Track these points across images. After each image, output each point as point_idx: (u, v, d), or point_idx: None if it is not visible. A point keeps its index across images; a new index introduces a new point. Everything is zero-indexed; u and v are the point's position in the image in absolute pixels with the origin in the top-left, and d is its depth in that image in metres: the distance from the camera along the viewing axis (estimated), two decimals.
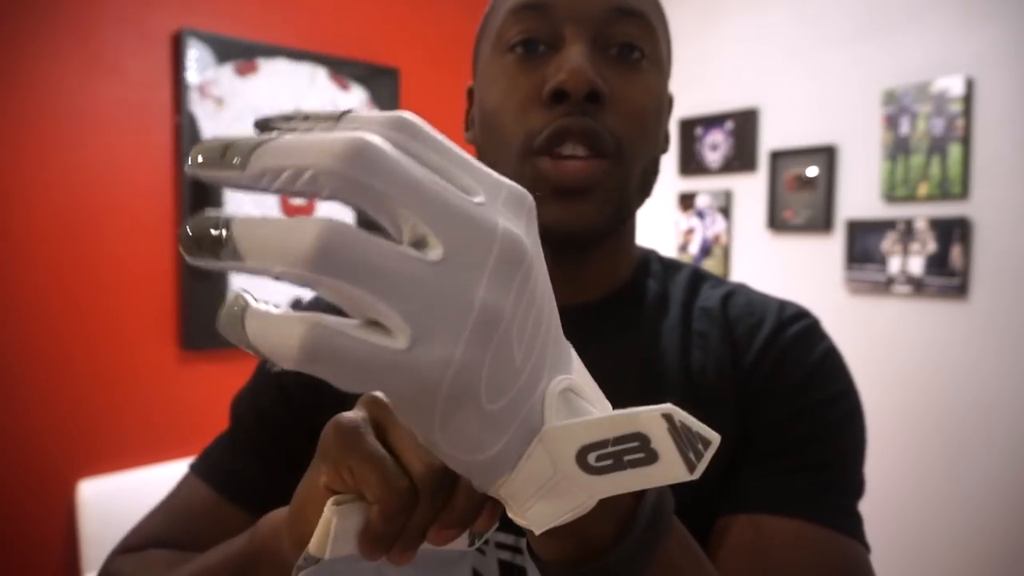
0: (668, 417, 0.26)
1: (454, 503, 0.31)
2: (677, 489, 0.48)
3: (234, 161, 0.22)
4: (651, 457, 0.26)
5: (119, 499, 1.75)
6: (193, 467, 0.61)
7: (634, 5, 0.51)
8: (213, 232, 0.22)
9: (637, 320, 0.56)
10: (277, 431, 0.59)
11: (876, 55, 2.04)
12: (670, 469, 0.26)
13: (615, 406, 0.39)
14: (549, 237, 0.51)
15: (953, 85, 1.87)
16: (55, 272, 1.73)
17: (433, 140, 0.25)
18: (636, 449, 0.26)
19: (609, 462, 0.26)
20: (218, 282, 1.95)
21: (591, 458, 0.26)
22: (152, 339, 1.88)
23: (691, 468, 0.26)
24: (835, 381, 0.52)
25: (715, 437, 0.27)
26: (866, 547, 0.48)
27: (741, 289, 0.58)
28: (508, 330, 0.24)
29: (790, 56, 2.23)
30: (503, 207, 0.25)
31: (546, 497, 0.27)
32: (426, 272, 0.22)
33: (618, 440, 0.26)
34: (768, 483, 0.48)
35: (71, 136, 1.74)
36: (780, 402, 0.51)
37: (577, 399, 0.28)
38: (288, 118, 0.25)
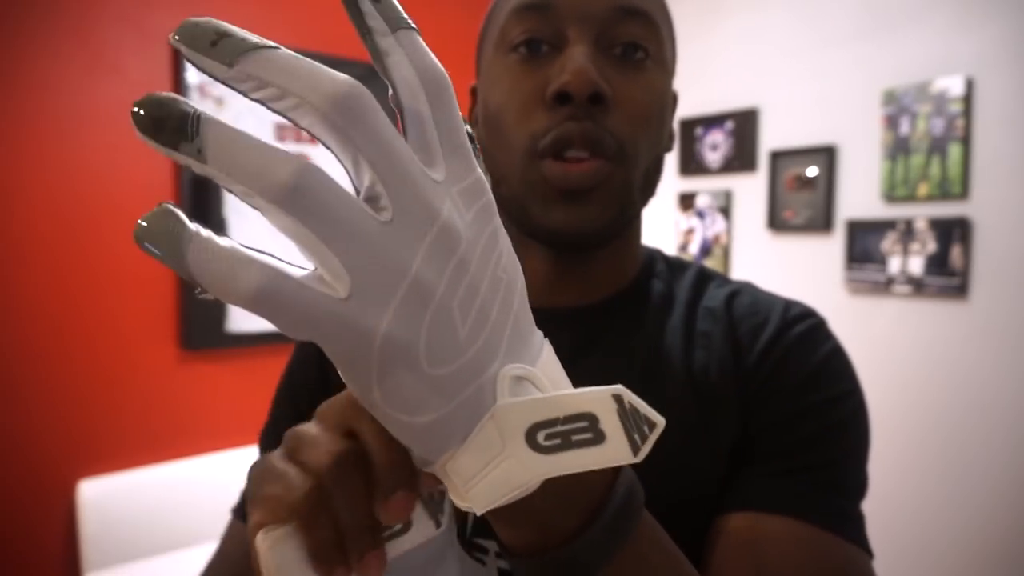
0: (618, 397, 0.27)
1: (377, 472, 0.29)
2: (679, 486, 0.48)
3: (223, 55, 0.22)
4: (598, 438, 0.26)
5: (119, 499, 1.75)
6: (235, 511, 0.61)
7: (638, 4, 0.51)
8: (179, 121, 0.21)
9: (641, 320, 0.56)
10: None
11: (876, 55, 2.04)
12: (615, 451, 0.26)
13: None
14: (554, 239, 0.52)
15: (953, 85, 1.87)
16: (55, 272, 1.73)
17: (446, 108, 0.26)
18: (584, 429, 0.26)
19: (557, 441, 0.26)
20: None
21: (540, 436, 0.26)
22: (152, 339, 1.88)
23: (635, 450, 0.27)
24: (840, 381, 0.51)
25: (660, 420, 0.27)
26: (868, 552, 0.47)
27: (746, 288, 0.58)
28: (446, 305, 0.25)
29: (790, 56, 2.23)
30: (457, 194, 0.26)
31: (491, 475, 0.27)
32: (374, 229, 0.24)
33: (568, 419, 0.26)
34: (768, 482, 0.47)
35: (71, 136, 1.74)
36: (783, 401, 0.50)
37: (532, 389, 0.28)
38: None
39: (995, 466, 1.83)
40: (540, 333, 0.31)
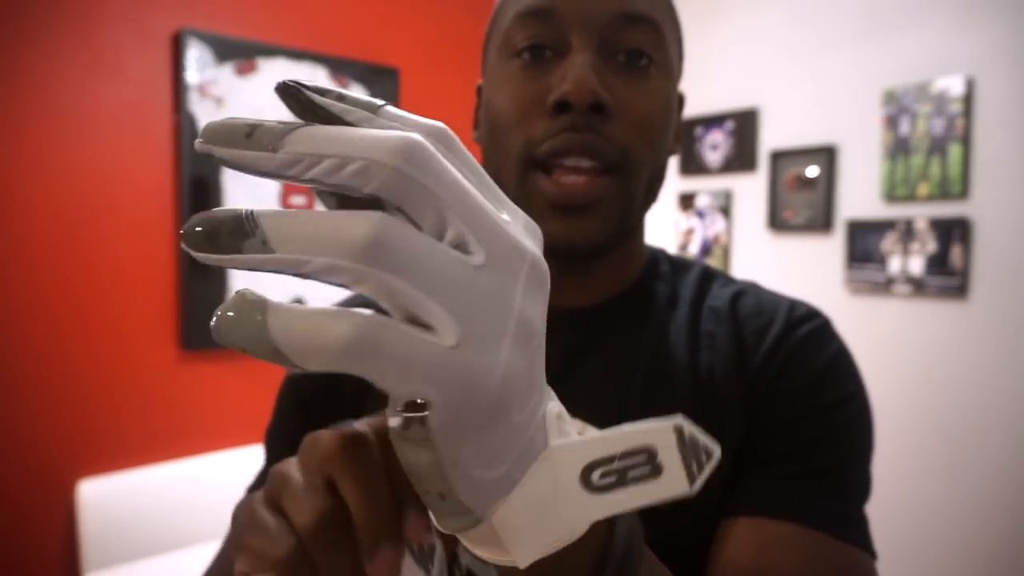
0: (679, 429, 0.26)
1: (359, 533, 0.28)
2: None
3: (264, 143, 0.22)
4: (655, 471, 0.26)
5: (119, 499, 1.75)
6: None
7: (642, 10, 0.50)
8: (234, 223, 0.21)
9: (645, 321, 0.55)
10: None
11: (876, 55, 2.04)
12: (672, 483, 0.26)
13: (621, 407, 0.38)
14: (551, 252, 0.51)
15: (953, 85, 1.87)
16: (55, 272, 1.73)
17: (466, 157, 0.26)
18: (642, 464, 0.26)
19: (613, 479, 0.26)
20: (217, 282, 1.95)
21: (596, 476, 0.26)
22: (152, 339, 1.88)
23: (692, 481, 0.26)
24: (845, 383, 0.51)
25: (717, 450, 0.26)
26: (871, 554, 0.47)
27: (751, 288, 0.57)
28: (541, 342, 0.25)
29: (790, 56, 2.23)
30: (523, 230, 0.26)
31: (538, 521, 0.26)
32: (471, 274, 0.22)
33: (625, 455, 0.26)
34: (772, 486, 0.47)
35: (71, 136, 1.74)
36: (788, 404, 0.50)
37: (565, 424, 0.27)
38: (323, 92, 0.24)
39: (994, 466, 1.83)
40: None
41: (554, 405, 0.27)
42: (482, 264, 0.23)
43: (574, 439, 0.26)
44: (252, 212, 0.21)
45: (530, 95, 0.50)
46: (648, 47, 0.51)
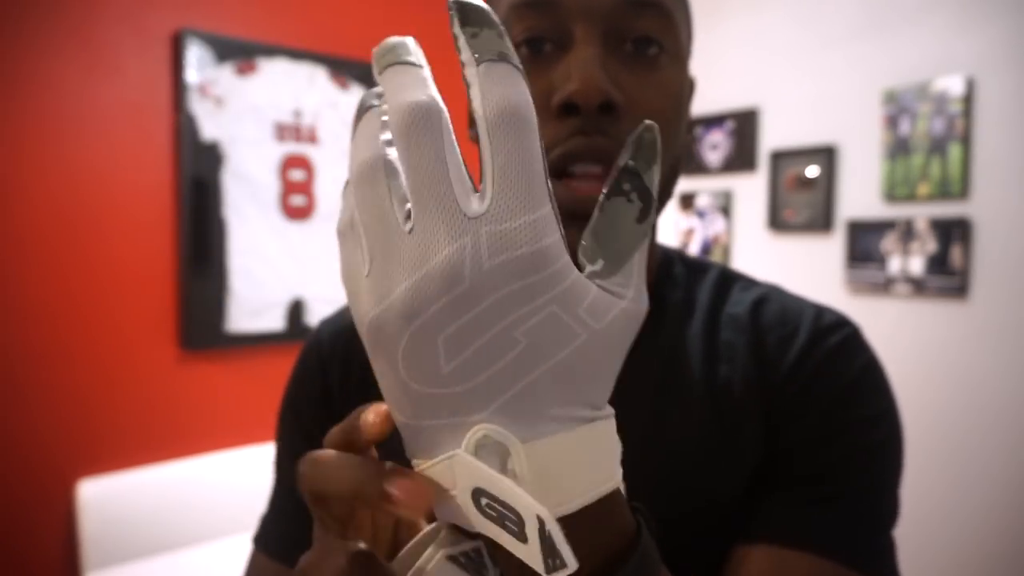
0: (540, 521, 0.25)
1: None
2: (696, 506, 0.46)
3: (376, 70, 0.29)
4: (523, 536, 0.25)
5: (119, 499, 1.75)
6: (256, 541, 0.58)
7: None
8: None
9: (657, 330, 0.52)
10: None
11: (876, 55, 2.04)
12: (533, 557, 0.25)
13: (630, 421, 0.37)
14: None
15: (953, 85, 1.87)
16: (55, 272, 1.73)
17: (509, 142, 0.27)
18: (514, 522, 0.25)
19: (494, 514, 0.26)
20: (217, 281, 1.95)
21: (482, 501, 0.26)
22: (152, 339, 1.88)
23: (547, 572, 0.25)
24: (874, 400, 0.48)
25: (573, 565, 0.25)
26: None
27: (774, 294, 0.54)
28: (429, 333, 0.25)
29: (790, 56, 2.23)
30: (487, 235, 0.25)
31: (452, 499, 0.27)
32: (394, 232, 0.26)
33: (503, 504, 0.25)
34: (793, 512, 0.45)
35: (71, 136, 1.74)
36: (813, 422, 0.47)
37: (495, 457, 0.26)
38: (467, 20, 0.28)
39: (993, 466, 1.83)
40: (574, 431, 0.27)
41: (493, 430, 0.25)
42: (409, 231, 0.25)
43: (473, 461, 0.25)
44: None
45: (533, 96, 0.48)
46: (658, 34, 0.46)
